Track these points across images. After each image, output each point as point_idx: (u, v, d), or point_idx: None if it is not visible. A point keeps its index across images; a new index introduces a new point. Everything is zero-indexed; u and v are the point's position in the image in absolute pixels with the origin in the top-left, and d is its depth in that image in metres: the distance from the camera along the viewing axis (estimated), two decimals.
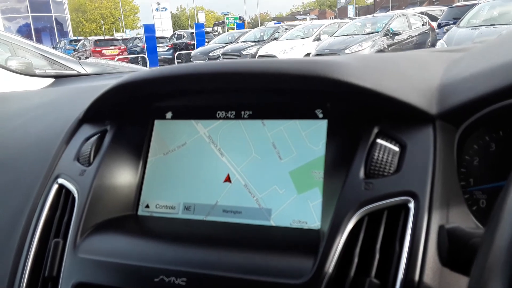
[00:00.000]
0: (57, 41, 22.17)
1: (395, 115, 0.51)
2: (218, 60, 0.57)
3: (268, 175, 0.57)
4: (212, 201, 0.59)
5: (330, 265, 0.42)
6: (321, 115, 0.57)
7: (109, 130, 0.64)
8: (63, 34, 26.66)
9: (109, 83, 0.63)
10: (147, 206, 0.61)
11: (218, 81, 0.57)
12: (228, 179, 0.59)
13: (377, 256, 0.43)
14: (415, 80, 0.54)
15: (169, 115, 0.65)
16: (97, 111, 0.67)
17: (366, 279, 0.41)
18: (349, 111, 0.55)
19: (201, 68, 0.56)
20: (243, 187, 0.58)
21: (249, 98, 0.61)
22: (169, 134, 0.64)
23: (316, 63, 0.52)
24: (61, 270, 0.51)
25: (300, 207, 0.55)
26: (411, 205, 0.44)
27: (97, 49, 14.97)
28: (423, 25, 8.78)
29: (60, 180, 0.60)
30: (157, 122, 0.65)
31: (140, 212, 0.61)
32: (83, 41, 17.68)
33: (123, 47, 15.92)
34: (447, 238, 0.32)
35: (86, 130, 0.67)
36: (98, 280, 0.48)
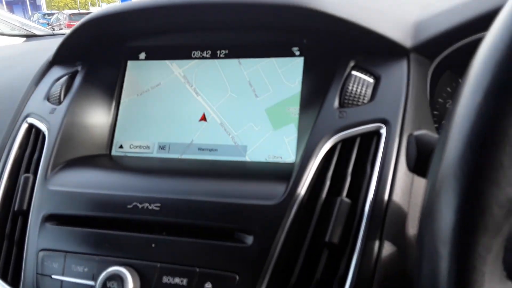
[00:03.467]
0: (30, 14, 21.24)
1: (371, 49, 0.51)
2: None
3: (244, 113, 0.57)
4: (188, 140, 0.58)
5: (302, 188, 0.42)
6: (297, 53, 0.57)
7: (80, 71, 0.62)
8: (36, 7, 25.53)
9: None
10: (121, 147, 0.60)
11: (190, 13, 0.55)
12: (203, 118, 0.59)
13: (349, 178, 0.43)
14: (391, 15, 0.54)
15: (142, 55, 0.63)
16: (68, 52, 0.64)
17: (337, 199, 0.41)
18: (325, 47, 0.54)
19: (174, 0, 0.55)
20: (219, 125, 0.58)
21: (225, 37, 0.60)
22: (143, 75, 0.62)
23: None
24: (31, 203, 0.50)
25: (276, 142, 0.55)
26: (383, 131, 0.44)
27: (71, 23, 14.41)
28: None
29: (30, 119, 0.58)
30: (130, 63, 0.63)
31: (113, 153, 0.60)
32: (57, 14, 16.99)
33: None
34: (415, 145, 0.33)
35: (57, 71, 0.65)
36: (68, 211, 0.47)
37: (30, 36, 1.35)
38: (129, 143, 0.60)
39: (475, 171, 0.20)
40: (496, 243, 0.20)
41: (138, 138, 0.60)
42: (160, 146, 0.59)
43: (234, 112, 0.58)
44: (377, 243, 0.40)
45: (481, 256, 0.20)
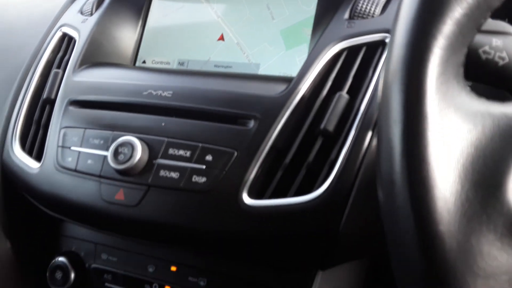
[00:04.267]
0: None
1: None
2: None
3: (259, 34, 0.60)
4: (205, 57, 0.62)
5: (304, 84, 0.45)
6: None
7: None
8: None
9: None
10: (144, 62, 0.65)
11: None
12: (221, 38, 0.62)
13: (350, 79, 0.45)
14: None
15: None
16: None
17: (337, 93, 0.44)
18: None
19: None
20: (235, 45, 0.61)
21: None
22: None
23: None
24: (58, 93, 0.55)
25: (287, 61, 0.58)
26: (388, 40, 0.46)
27: None
28: None
29: (63, 29, 0.64)
30: None
31: (137, 65, 0.64)
32: None
33: None
34: None
35: None
36: (90, 97, 0.52)
37: None
38: (152, 59, 0.65)
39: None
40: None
41: (160, 55, 0.64)
42: (179, 62, 0.63)
43: (251, 33, 0.61)
44: (368, 136, 0.42)
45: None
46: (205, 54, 0.62)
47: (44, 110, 0.56)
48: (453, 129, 0.21)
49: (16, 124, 0.56)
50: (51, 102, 0.55)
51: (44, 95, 0.56)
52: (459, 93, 0.22)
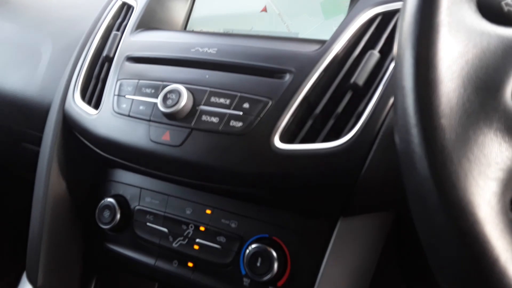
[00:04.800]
0: None
1: None
2: None
3: (300, 5, 0.64)
4: (248, 27, 0.67)
5: (338, 43, 0.49)
6: None
7: None
8: None
9: None
10: (193, 31, 0.71)
11: None
12: (264, 10, 0.67)
13: (383, 41, 0.48)
14: None
15: None
16: None
17: (368, 51, 0.47)
18: None
19: None
20: (277, 15, 0.65)
21: None
22: None
23: None
24: (116, 52, 0.62)
25: (325, 30, 0.61)
26: None
27: None
28: None
29: None
30: None
31: None
32: None
33: None
34: None
35: None
36: (144, 54, 0.58)
37: None
38: (200, 29, 0.70)
39: None
40: None
41: (207, 25, 0.70)
42: (224, 31, 0.68)
43: (292, 5, 0.65)
44: None
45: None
46: (248, 25, 0.67)
47: (103, 66, 0.63)
48: (461, 42, 0.24)
49: (77, 79, 0.64)
50: (109, 60, 0.62)
51: (104, 53, 0.63)
52: (470, 14, 0.25)
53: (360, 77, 0.46)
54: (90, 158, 0.65)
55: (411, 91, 0.24)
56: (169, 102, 0.50)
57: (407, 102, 0.24)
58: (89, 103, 0.61)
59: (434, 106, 0.23)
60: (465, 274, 0.22)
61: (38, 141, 0.71)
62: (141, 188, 0.63)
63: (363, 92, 0.47)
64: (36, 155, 0.98)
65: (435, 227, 0.22)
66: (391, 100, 0.45)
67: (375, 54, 0.47)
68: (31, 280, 0.62)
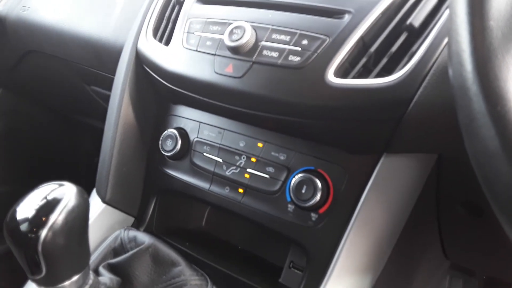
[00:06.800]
0: None
1: None
2: None
3: None
4: None
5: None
6: None
7: None
8: None
9: None
10: None
11: None
12: None
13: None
14: None
15: None
16: None
17: None
18: None
19: None
20: None
21: None
22: None
23: None
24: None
25: None
26: None
27: None
28: None
29: None
30: None
31: None
32: None
33: None
34: None
35: None
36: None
37: None
38: None
39: None
40: None
41: None
42: None
43: None
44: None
45: None
46: None
47: (174, 8, 0.69)
48: None
49: (150, 20, 0.70)
50: (180, 3, 0.68)
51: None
52: None
53: (417, 19, 0.49)
54: (157, 93, 0.72)
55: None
56: (234, 36, 0.55)
57: (459, 6, 0.27)
58: (160, 40, 0.68)
59: (485, 9, 0.26)
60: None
61: (108, 85, 0.78)
62: (200, 122, 0.69)
63: (417, 34, 0.49)
64: (103, 98, 1.07)
65: (475, 113, 0.26)
66: (444, 41, 0.47)
67: None
68: (100, 195, 0.71)
